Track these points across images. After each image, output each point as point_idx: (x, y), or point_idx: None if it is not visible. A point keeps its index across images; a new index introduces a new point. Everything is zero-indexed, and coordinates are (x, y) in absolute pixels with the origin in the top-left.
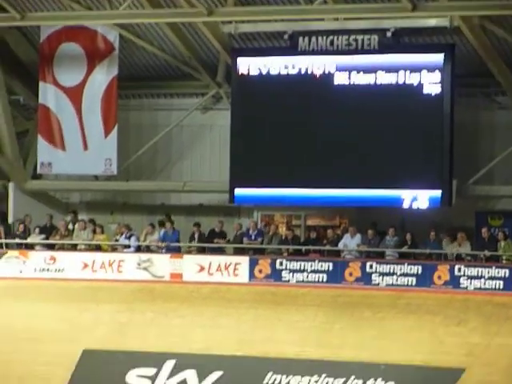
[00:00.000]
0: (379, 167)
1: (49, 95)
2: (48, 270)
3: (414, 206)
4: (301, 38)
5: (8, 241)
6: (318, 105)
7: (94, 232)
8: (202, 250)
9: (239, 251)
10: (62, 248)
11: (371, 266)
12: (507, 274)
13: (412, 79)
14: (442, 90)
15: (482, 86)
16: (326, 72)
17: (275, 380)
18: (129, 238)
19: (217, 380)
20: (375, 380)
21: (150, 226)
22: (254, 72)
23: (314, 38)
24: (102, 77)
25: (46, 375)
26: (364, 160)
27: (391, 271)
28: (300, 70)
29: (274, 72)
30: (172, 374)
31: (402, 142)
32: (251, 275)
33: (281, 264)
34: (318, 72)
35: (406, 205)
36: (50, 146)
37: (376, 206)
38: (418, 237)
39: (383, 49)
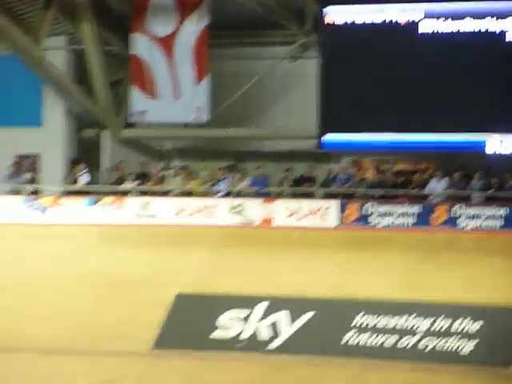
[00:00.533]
0: (465, 112)
1: (141, 45)
2: (142, 215)
3: (500, 151)
4: None
5: (102, 187)
6: (404, 51)
7: (186, 178)
8: (292, 195)
9: (328, 196)
10: (155, 194)
11: (457, 210)
12: None
13: (498, 26)
14: None
15: None
16: (413, 19)
17: (365, 320)
18: (220, 183)
19: (308, 321)
20: (464, 319)
21: (241, 171)
22: (341, 20)
23: None
24: (194, 26)
25: (141, 318)
26: (450, 105)
27: (477, 214)
28: (387, 17)
29: (361, 20)
30: (265, 315)
31: (487, 86)
32: (340, 219)
33: (369, 208)
34: (404, 19)
35: (491, 150)
36: (142, 95)
37: (462, 151)
38: (504, 182)
39: None
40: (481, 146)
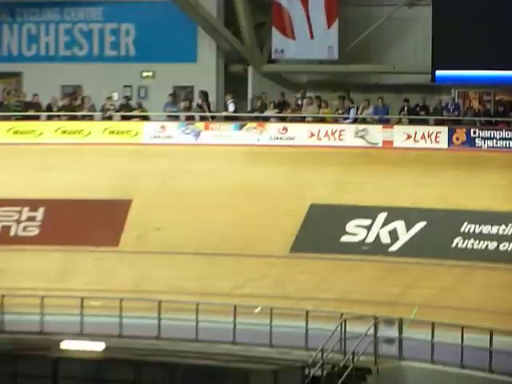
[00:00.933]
0: None
1: None
2: (281, 138)
3: None
4: None
5: (247, 114)
6: None
7: (319, 106)
8: (409, 122)
9: (439, 122)
10: (293, 120)
11: None
12: None
13: None
14: None
15: None
16: None
17: (470, 228)
18: (348, 111)
19: (421, 229)
20: None
21: (365, 101)
22: None
23: None
24: None
25: (280, 224)
26: None
27: None
28: None
29: None
30: (384, 224)
31: None
32: (450, 142)
33: (474, 133)
34: None
35: None
36: (282, 35)
37: None
38: None
39: None
40: None
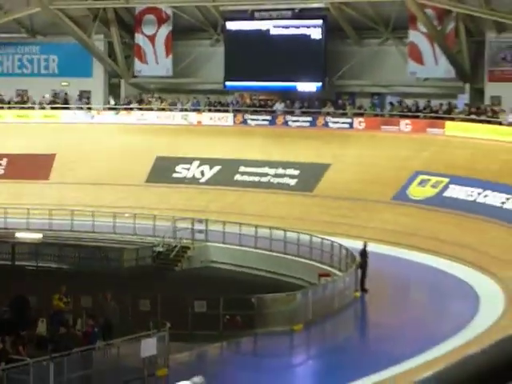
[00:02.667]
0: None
1: None
2: (140, 119)
3: None
4: None
5: (121, 106)
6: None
7: (161, 102)
8: (211, 110)
9: (228, 111)
10: (146, 109)
11: None
12: None
13: None
14: None
15: None
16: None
17: (244, 169)
18: (176, 104)
19: (218, 170)
20: None
21: (191, 99)
22: None
23: None
24: None
25: (139, 168)
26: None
27: None
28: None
29: None
30: (197, 167)
31: None
32: (234, 121)
33: (247, 116)
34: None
35: None
36: (140, 62)
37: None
38: None
39: None
40: None
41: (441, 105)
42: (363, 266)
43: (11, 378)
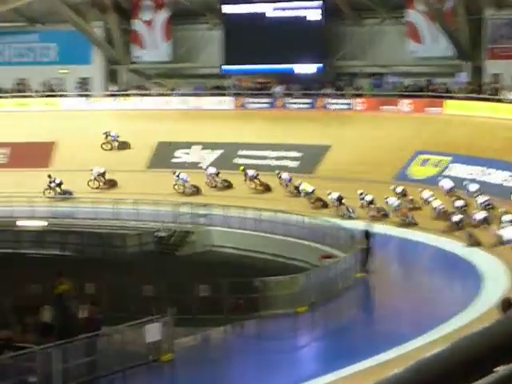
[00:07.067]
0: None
1: None
2: (140, 105)
3: None
4: None
5: (120, 92)
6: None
7: (160, 86)
8: (210, 95)
9: (227, 94)
10: (145, 95)
11: None
12: None
13: None
14: None
15: None
16: None
17: (242, 152)
18: (173, 90)
19: (220, 154)
20: None
21: (188, 84)
22: None
23: None
24: None
25: (140, 153)
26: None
27: None
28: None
29: None
30: (198, 151)
31: None
32: (235, 105)
33: (247, 99)
34: None
35: None
36: (138, 47)
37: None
38: None
39: None
40: None
41: (441, 84)
42: (367, 247)
43: (18, 365)
